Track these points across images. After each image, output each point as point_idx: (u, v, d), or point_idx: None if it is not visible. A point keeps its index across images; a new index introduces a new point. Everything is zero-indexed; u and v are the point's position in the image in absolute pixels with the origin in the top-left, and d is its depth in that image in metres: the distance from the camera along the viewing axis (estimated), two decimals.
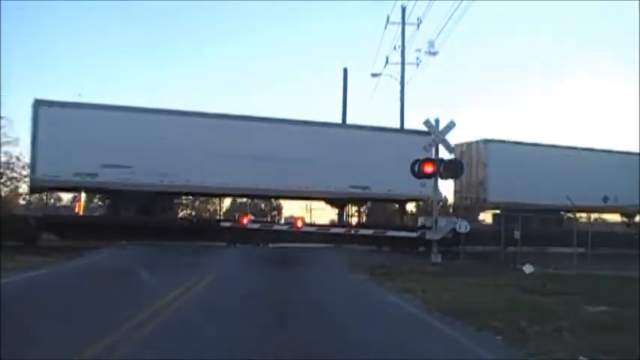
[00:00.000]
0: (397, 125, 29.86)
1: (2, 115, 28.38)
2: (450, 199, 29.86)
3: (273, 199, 26.19)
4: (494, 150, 26.08)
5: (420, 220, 27.98)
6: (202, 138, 22.04)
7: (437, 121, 18.34)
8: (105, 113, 21.57)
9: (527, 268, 15.14)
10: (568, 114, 78.68)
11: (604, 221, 33.59)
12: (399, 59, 31.10)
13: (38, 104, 21.00)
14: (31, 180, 21.52)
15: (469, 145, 26.91)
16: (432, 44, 29.61)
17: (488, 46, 78.98)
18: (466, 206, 26.61)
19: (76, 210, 28.51)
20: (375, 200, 27.96)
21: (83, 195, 25.98)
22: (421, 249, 21.69)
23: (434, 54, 29.98)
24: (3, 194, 30.49)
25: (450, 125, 18.34)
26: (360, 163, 23.22)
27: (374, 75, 32.64)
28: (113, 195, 22.48)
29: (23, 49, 62.99)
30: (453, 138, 20.99)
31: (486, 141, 26.43)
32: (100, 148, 20.83)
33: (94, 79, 75.76)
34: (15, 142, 28.78)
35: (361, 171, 23.47)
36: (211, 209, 52.16)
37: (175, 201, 31.37)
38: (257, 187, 23.43)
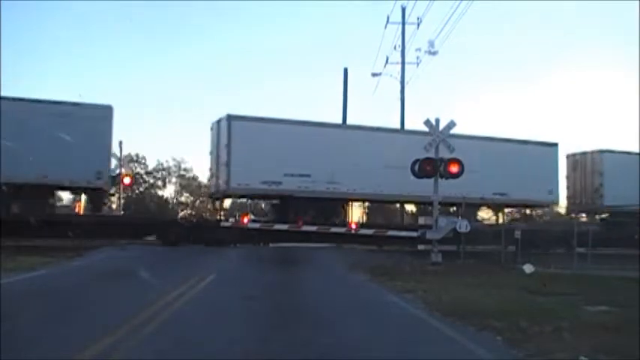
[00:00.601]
0: (397, 125, 29.94)
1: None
2: None
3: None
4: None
5: (421, 220, 28.02)
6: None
7: (437, 120, 18.34)
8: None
9: (528, 268, 15.14)
10: (567, 113, 78.58)
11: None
12: (400, 59, 31.16)
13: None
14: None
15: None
16: (432, 44, 29.66)
17: (488, 45, 78.86)
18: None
19: (76, 210, 28.56)
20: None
21: (83, 195, 26.02)
22: (420, 247, 21.70)
23: (434, 53, 30.01)
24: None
25: (450, 125, 18.34)
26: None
27: (374, 75, 32.70)
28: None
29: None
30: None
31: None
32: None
33: (96, 79, 75.67)
34: None
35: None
36: (211, 208, 52.21)
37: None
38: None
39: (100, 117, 21.73)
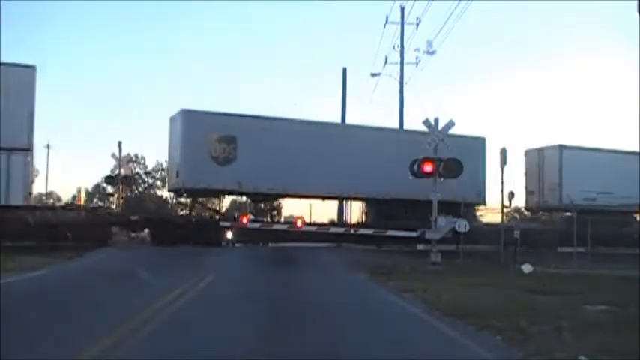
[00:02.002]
0: (397, 125, 29.93)
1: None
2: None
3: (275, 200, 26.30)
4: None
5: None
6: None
7: (436, 120, 18.38)
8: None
9: (526, 268, 15.16)
10: (568, 113, 78.55)
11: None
12: (399, 59, 31.15)
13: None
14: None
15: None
16: (430, 44, 29.67)
17: (488, 44, 78.88)
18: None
19: (77, 201, 28.56)
20: None
21: (83, 194, 26.04)
22: (420, 247, 21.73)
23: (432, 53, 30.01)
24: None
25: (449, 124, 18.37)
26: None
27: (373, 75, 32.66)
28: None
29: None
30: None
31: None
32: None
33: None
34: None
35: None
36: (211, 208, 52.11)
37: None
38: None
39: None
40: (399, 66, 31.18)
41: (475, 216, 27.49)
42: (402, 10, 30.79)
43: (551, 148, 27.22)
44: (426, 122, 18.38)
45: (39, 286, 11.28)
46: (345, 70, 32.29)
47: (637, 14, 5.39)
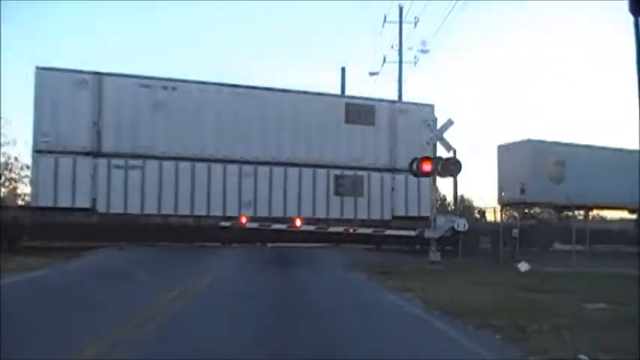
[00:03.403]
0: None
1: (1, 115, 28.38)
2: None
3: None
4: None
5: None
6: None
7: (434, 120, 18.37)
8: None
9: (523, 266, 15.16)
10: (569, 113, 78.63)
11: (603, 218, 33.69)
12: (397, 58, 31.20)
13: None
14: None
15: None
16: (424, 43, 30.22)
17: (488, 44, 79.01)
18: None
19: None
20: None
21: None
22: (417, 247, 21.73)
23: (426, 52, 30.46)
24: (2, 195, 30.48)
25: (448, 124, 18.38)
26: None
27: (372, 74, 32.71)
28: None
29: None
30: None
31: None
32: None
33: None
34: (13, 142, 28.79)
35: None
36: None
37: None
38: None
39: None
40: (397, 65, 31.24)
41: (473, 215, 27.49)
42: (401, 9, 30.88)
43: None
44: (425, 122, 18.38)
45: (38, 286, 11.27)
46: (343, 69, 32.27)
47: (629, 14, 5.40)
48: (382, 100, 23.47)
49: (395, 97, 30.12)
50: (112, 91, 20.18)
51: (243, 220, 23.27)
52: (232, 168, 21.22)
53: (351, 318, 8.42)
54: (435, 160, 18.10)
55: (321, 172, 22.05)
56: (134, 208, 20.17)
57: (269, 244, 23.26)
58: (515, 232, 19.04)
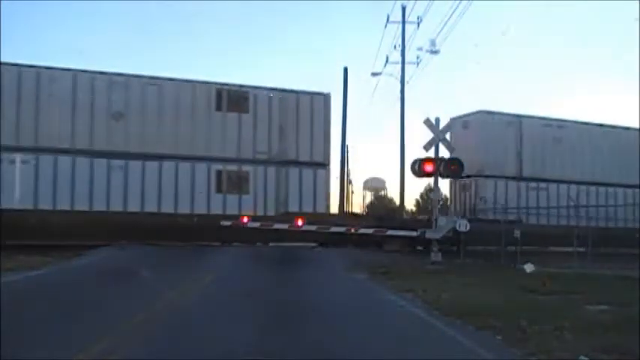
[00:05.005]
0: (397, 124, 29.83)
1: None
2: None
3: None
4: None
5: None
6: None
7: (437, 120, 18.34)
8: None
9: (529, 267, 15.14)
10: (571, 113, 78.60)
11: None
12: (400, 58, 31.09)
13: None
14: None
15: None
16: (433, 43, 29.55)
17: (488, 44, 79.04)
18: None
19: None
20: None
21: None
22: (418, 248, 21.69)
23: (435, 52, 29.91)
24: None
25: (450, 124, 18.35)
26: None
27: (374, 74, 32.56)
28: None
29: None
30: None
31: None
32: None
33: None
34: None
35: None
36: None
37: None
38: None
39: None
40: (399, 65, 31.14)
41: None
42: (403, 9, 30.74)
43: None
44: (427, 122, 18.34)
45: (38, 286, 11.28)
46: (346, 69, 32.20)
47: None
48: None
49: (396, 97, 30.11)
50: None
51: (245, 219, 23.28)
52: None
53: (351, 318, 8.40)
54: (437, 160, 18.07)
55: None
56: None
57: (270, 244, 23.25)
58: (517, 233, 18.96)
